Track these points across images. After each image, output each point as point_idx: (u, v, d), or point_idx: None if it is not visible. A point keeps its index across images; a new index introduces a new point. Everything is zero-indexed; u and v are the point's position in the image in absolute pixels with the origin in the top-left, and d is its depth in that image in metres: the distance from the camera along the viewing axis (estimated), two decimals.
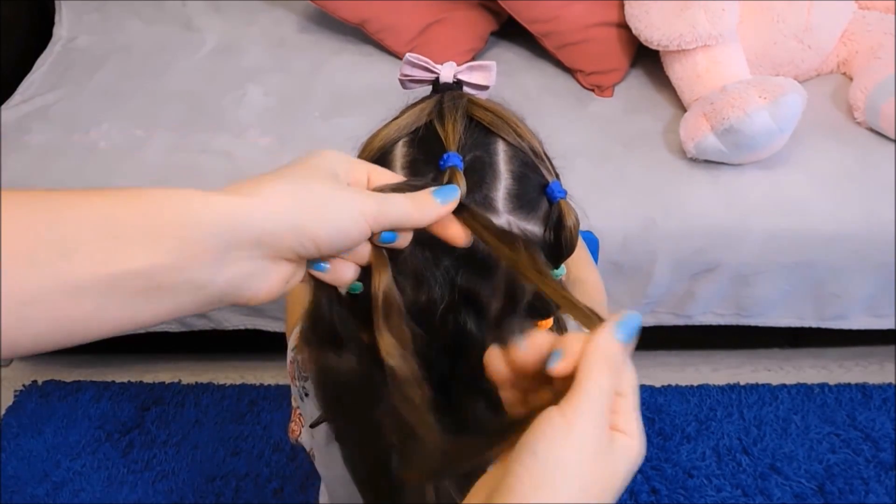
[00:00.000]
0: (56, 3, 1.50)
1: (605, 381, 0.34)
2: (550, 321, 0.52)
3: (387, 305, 0.41)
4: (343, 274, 0.41)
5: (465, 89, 0.52)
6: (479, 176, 0.46)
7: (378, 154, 0.49)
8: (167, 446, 1.31)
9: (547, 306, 0.51)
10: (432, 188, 0.41)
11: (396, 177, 0.44)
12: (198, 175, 1.17)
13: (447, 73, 0.52)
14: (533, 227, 0.48)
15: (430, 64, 0.52)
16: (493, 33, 1.42)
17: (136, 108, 1.29)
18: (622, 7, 1.27)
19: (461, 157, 0.45)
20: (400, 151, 0.48)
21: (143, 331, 1.28)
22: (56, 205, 0.31)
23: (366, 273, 0.42)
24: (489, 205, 0.46)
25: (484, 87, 0.53)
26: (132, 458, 1.29)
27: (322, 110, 1.28)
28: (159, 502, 1.24)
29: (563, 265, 0.51)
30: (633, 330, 0.36)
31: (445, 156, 0.45)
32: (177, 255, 0.32)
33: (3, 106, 1.32)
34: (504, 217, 0.47)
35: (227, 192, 0.35)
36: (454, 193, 0.41)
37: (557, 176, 0.52)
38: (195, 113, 1.28)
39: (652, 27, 1.20)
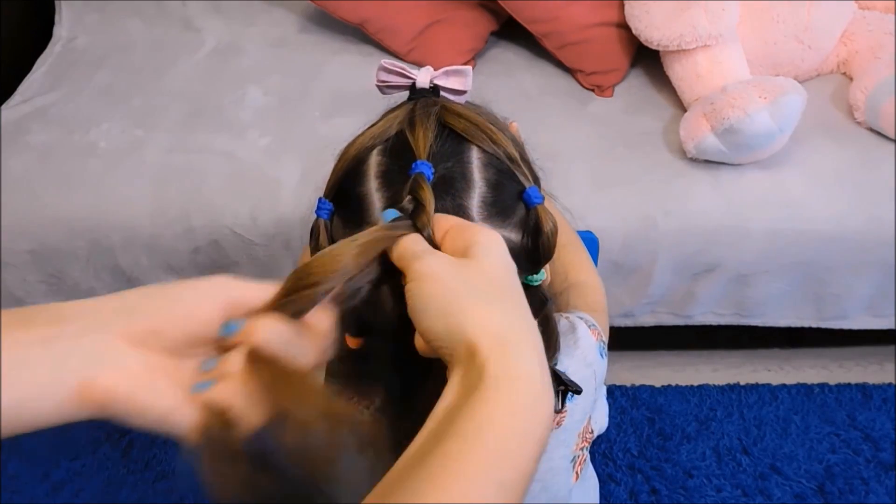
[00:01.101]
0: (56, 3, 1.50)
1: (415, 244, 0.41)
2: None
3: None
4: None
5: (443, 94, 0.52)
6: (451, 185, 0.46)
7: (353, 163, 0.49)
8: (167, 446, 1.30)
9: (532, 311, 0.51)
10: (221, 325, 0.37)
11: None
12: (198, 175, 1.17)
13: (423, 78, 0.52)
14: (509, 234, 0.48)
15: (406, 69, 0.52)
16: (493, 33, 1.42)
17: (136, 108, 1.29)
18: (622, 7, 1.27)
19: (431, 166, 0.45)
20: (374, 160, 0.48)
21: None
22: None
23: None
24: (463, 213, 0.46)
25: (461, 92, 0.53)
26: (132, 458, 1.29)
27: (322, 110, 1.28)
28: (159, 502, 1.24)
29: (543, 270, 0.50)
30: (391, 214, 0.43)
31: (414, 164, 0.45)
32: None
33: (3, 106, 1.32)
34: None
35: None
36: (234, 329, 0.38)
37: (537, 181, 0.52)
38: (195, 113, 1.28)
39: (652, 27, 1.20)
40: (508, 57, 1.41)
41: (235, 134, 1.24)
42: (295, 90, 1.33)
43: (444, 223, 0.43)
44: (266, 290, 0.38)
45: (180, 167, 1.18)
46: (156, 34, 1.47)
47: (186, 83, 1.35)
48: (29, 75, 1.39)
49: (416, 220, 0.43)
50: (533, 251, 0.49)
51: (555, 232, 0.49)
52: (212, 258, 1.17)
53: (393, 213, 0.43)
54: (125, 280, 1.19)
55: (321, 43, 1.44)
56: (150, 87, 1.34)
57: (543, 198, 0.49)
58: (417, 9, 1.35)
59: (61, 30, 1.48)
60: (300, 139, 1.22)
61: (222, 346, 0.37)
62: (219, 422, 0.36)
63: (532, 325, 0.39)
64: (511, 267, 0.41)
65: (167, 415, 0.36)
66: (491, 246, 0.40)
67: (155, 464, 1.28)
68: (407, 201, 0.43)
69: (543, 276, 0.51)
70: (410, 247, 0.41)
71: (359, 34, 1.41)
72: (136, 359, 0.35)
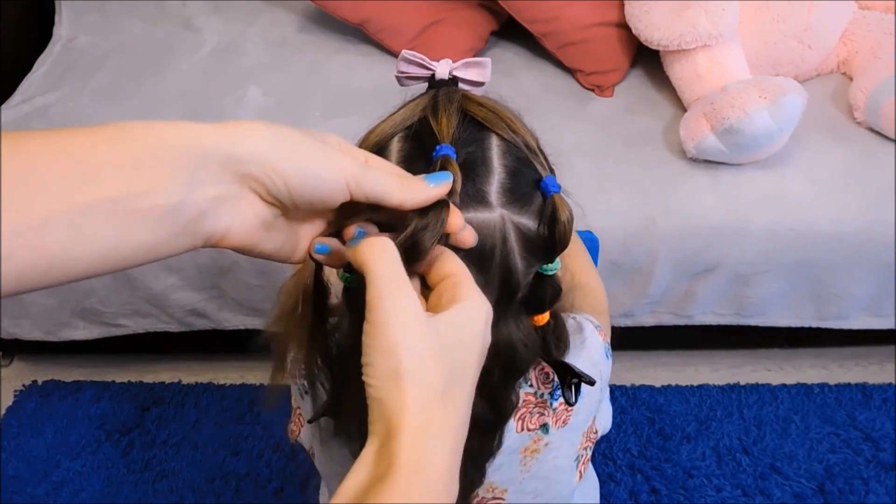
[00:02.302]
0: (56, 3, 1.50)
1: (385, 267, 0.37)
2: (546, 315, 0.53)
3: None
4: (343, 259, 0.41)
5: (461, 86, 0.53)
6: (472, 170, 0.47)
7: (374, 150, 0.49)
8: (167, 446, 1.31)
9: (542, 301, 0.51)
10: (424, 175, 0.41)
11: (395, 167, 0.43)
12: None
13: (443, 69, 0.52)
14: (527, 221, 0.48)
15: (426, 61, 0.52)
16: (493, 33, 1.42)
17: (136, 109, 1.29)
18: (622, 7, 1.27)
19: (454, 150, 0.45)
20: (395, 146, 0.49)
21: (142, 331, 1.28)
22: (30, 143, 0.32)
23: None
24: (482, 198, 0.47)
25: (479, 84, 0.53)
26: (132, 458, 1.29)
27: (322, 110, 1.28)
28: (159, 502, 1.24)
29: (557, 259, 0.51)
30: (440, 178, 0.41)
31: (438, 147, 0.45)
32: (146, 179, 0.33)
33: (3, 106, 1.32)
34: (497, 211, 0.47)
35: (199, 123, 0.35)
36: (445, 178, 0.41)
37: (552, 171, 0.52)
38: (195, 113, 1.28)
39: (652, 27, 1.20)
40: (508, 57, 1.41)
41: None
42: (295, 90, 1.33)
43: (449, 266, 0.41)
44: (381, 179, 0.39)
45: None
46: (156, 34, 1.47)
47: (186, 83, 1.35)
48: (29, 75, 1.39)
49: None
50: (549, 240, 0.49)
51: (571, 221, 0.49)
52: (212, 258, 1.17)
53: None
54: (125, 279, 1.19)
55: (321, 43, 1.44)
56: (150, 87, 1.34)
57: (560, 186, 0.49)
58: (417, 9, 1.35)
59: (61, 30, 1.48)
60: None
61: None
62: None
63: (464, 413, 0.38)
64: (484, 343, 0.40)
65: (275, 253, 0.40)
66: (477, 316, 0.39)
67: (155, 464, 1.28)
68: None
69: (558, 265, 0.51)
70: (384, 272, 0.37)
71: (359, 34, 1.41)
72: (255, 212, 0.38)
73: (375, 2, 1.34)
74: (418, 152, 0.47)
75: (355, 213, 0.41)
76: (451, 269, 0.41)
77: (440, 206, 0.41)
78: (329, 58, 1.40)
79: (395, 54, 1.39)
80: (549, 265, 0.50)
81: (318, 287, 0.47)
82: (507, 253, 0.47)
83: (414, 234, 0.39)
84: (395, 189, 0.39)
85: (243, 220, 0.37)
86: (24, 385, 1.42)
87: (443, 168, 0.43)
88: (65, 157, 0.32)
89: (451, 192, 0.42)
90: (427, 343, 0.36)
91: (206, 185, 0.35)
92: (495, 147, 0.49)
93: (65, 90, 1.34)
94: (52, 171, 0.31)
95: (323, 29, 1.46)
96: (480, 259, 0.46)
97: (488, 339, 0.40)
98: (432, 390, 0.36)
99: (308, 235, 0.42)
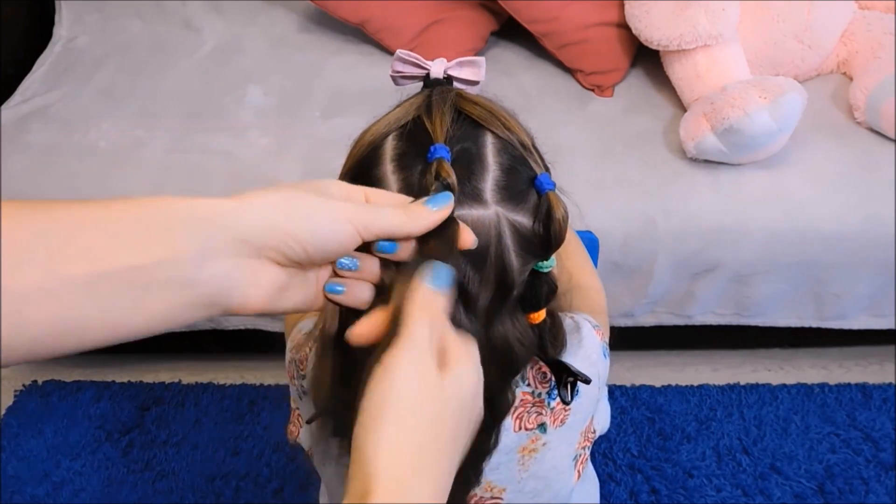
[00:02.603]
0: (56, 3, 1.50)
1: (422, 328, 0.38)
2: (543, 313, 0.53)
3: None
4: (359, 294, 0.42)
5: (456, 85, 0.53)
6: (466, 167, 0.47)
7: (368, 149, 0.50)
8: (167, 446, 1.31)
9: (538, 300, 0.52)
10: (425, 199, 0.42)
11: (395, 196, 0.44)
12: (198, 175, 1.17)
13: (437, 68, 0.52)
14: (522, 219, 0.48)
15: (421, 60, 0.52)
16: (493, 33, 1.42)
17: (136, 108, 1.29)
18: (622, 7, 1.27)
19: (448, 150, 0.46)
20: (389, 145, 0.49)
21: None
22: (48, 212, 0.33)
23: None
24: (477, 196, 0.47)
25: (474, 83, 0.54)
26: (132, 458, 1.29)
27: (322, 110, 1.28)
28: (159, 502, 1.24)
29: (553, 257, 0.51)
30: (444, 278, 0.40)
31: (433, 148, 0.45)
32: (160, 253, 0.34)
33: (3, 106, 1.32)
34: (492, 208, 0.47)
35: (213, 198, 0.36)
36: (447, 200, 0.42)
37: (547, 169, 0.52)
38: (195, 113, 1.28)
39: (652, 27, 1.20)
40: (508, 57, 1.41)
41: (235, 134, 1.24)
42: (295, 90, 1.33)
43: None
44: (387, 217, 0.40)
45: (180, 167, 1.18)
46: (156, 34, 1.47)
47: (186, 83, 1.35)
48: (29, 75, 1.39)
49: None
50: (544, 237, 0.49)
51: (566, 218, 0.49)
52: None
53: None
54: None
55: (321, 43, 1.44)
56: (150, 87, 1.34)
57: (555, 184, 0.50)
58: (417, 9, 1.35)
59: (61, 30, 1.48)
60: (300, 139, 1.22)
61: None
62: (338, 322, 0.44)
63: (447, 467, 0.38)
64: (477, 392, 0.41)
65: (301, 306, 0.42)
66: (471, 368, 0.40)
67: (155, 464, 1.28)
68: (434, 188, 0.44)
69: (553, 262, 0.51)
70: (420, 325, 0.38)
71: (359, 34, 1.41)
72: (271, 279, 0.38)
73: (375, 2, 1.34)
74: (412, 151, 0.48)
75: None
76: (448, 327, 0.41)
77: (449, 225, 0.42)
78: (329, 58, 1.40)
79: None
80: (545, 263, 0.50)
81: (344, 329, 0.46)
82: (503, 250, 0.47)
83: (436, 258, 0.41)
84: (402, 223, 0.41)
85: (260, 287, 0.38)
86: (24, 385, 1.42)
87: (437, 173, 0.44)
88: (81, 228, 0.33)
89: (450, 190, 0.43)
90: (426, 407, 0.37)
91: (219, 258, 0.36)
92: (490, 145, 0.49)
93: (65, 90, 1.34)
94: (68, 240, 0.32)
95: (323, 29, 1.46)
96: (475, 256, 0.46)
97: (480, 384, 0.41)
98: (411, 457, 0.36)
99: (324, 280, 0.43)
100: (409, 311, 0.39)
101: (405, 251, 0.42)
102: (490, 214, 0.47)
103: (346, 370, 0.49)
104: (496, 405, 0.53)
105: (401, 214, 0.41)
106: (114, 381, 1.41)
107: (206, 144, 1.22)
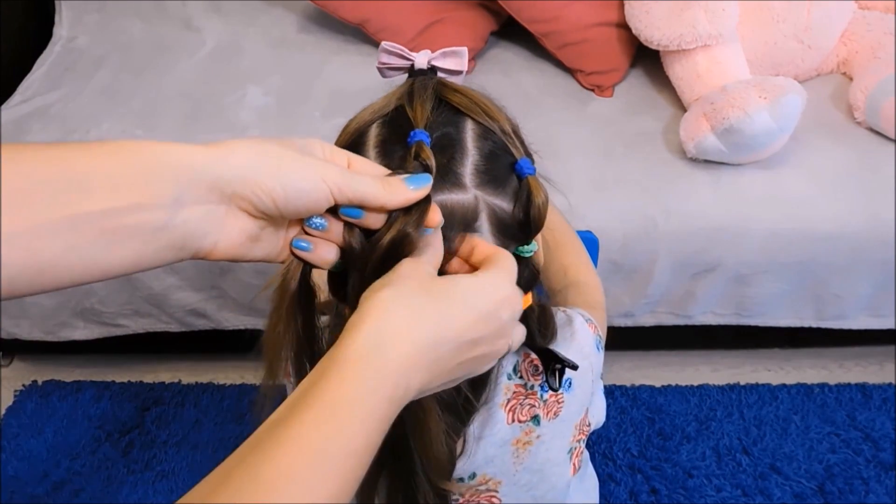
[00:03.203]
0: (56, 3, 1.50)
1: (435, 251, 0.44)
2: (528, 299, 0.53)
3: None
4: (324, 255, 0.43)
5: (440, 75, 0.54)
6: (446, 152, 0.48)
7: (354, 137, 0.51)
8: (167, 446, 1.31)
9: (520, 284, 0.52)
10: (405, 175, 0.43)
11: (377, 166, 0.45)
12: None
13: (421, 59, 0.54)
14: (501, 203, 0.49)
15: (405, 51, 0.54)
16: (493, 33, 1.42)
17: (136, 108, 1.29)
18: (622, 7, 1.27)
19: (429, 135, 0.47)
20: (373, 132, 0.50)
21: (142, 331, 1.28)
22: (24, 155, 0.33)
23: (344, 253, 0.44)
24: (457, 180, 0.48)
25: (457, 73, 0.55)
26: (132, 458, 1.29)
27: (322, 110, 1.28)
28: (159, 502, 1.24)
29: (534, 241, 0.52)
30: (422, 181, 0.43)
31: (413, 133, 0.46)
32: (133, 196, 0.34)
33: (3, 106, 1.32)
34: (472, 192, 0.48)
35: (192, 144, 0.37)
36: (425, 181, 0.43)
37: (529, 155, 0.53)
38: (195, 113, 1.28)
39: (652, 27, 1.20)
40: (508, 57, 1.41)
41: (235, 134, 1.24)
42: (295, 90, 1.33)
43: (486, 248, 0.47)
44: (363, 184, 0.41)
45: None
46: (156, 34, 1.47)
47: (186, 83, 1.35)
48: (29, 75, 1.39)
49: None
50: (524, 221, 0.50)
51: (545, 203, 0.50)
52: None
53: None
54: (125, 279, 1.19)
55: (321, 43, 1.44)
56: (150, 87, 1.34)
57: (535, 169, 0.51)
58: (417, 9, 1.35)
59: (61, 30, 1.48)
60: None
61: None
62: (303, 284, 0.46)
63: (438, 356, 0.40)
64: (499, 305, 0.43)
65: (266, 256, 0.42)
66: (491, 290, 0.43)
67: (155, 464, 1.28)
68: (413, 167, 0.45)
69: (535, 247, 0.52)
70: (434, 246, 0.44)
71: (359, 34, 1.41)
72: (242, 228, 0.39)
73: (375, 2, 1.34)
74: (394, 137, 0.49)
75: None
76: (488, 250, 0.46)
77: (423, 202, 0.43)
78: (329, 58, 1.40)
79: None
80: (526, 247, 0.51)
81: (304, 287, 0.47)
82: (482, 234, 0.48)
83: (403, 232, 0.42)
84: (377, 193, 0.41)
85: (230, 235, 0.39)
86: (24, 385, 1.42)
87: (417, 155, 0.45)
88: (57, 170, 0.33)
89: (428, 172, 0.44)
90: (433, 284, 0.41)
91: (192, 204, 0.36)
92: (470, 131, 0.50)
93: (65, 90, 1.34)
94: (44, 182, 0.33)
95: (323, 29, 1.46)
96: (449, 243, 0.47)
97: (514, 293, 0.45)
98: (402, 314, 0.39)
99: (292, 235, 0.44)
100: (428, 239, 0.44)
101: (374, 220, 0.42)
102: (469, 198, 0.48)
103: (307, 326, 0.50)
104: (477, 388, 0.55)
105: (378, 184, 0.41)
106: (114, 381, 1.41)
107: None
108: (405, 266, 0.42)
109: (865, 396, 1.36)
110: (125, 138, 1.26)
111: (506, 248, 0.50)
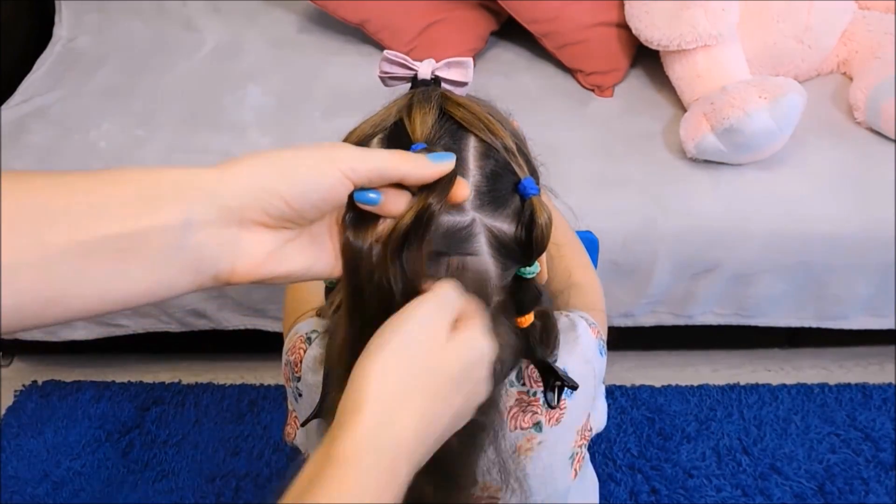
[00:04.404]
0: (56, 3, 1.50)
1: (450, 290, 0.42)
2: (531, 317, 0.52)
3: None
4: (395, 205, 0.40)
5: (444, 86, 0.52)
6: None
7: None
8: (167, 446, 1.31)
9: (521, 304, 0.51)
10: (426, 154, 0.41)
11: (396, 151, 0.43)
12: None
13: (425, 69, 0.52)
14: (502, 225, 0.48)
15: (409, 61, 0.52)
16: (493, 33, 1.42)
17: (136, 108, 1.29)
18: (622, 7, 1.27)
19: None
20: (373, 146, 0.49)
21: (142, 331, 1.28)
22: (32, 182, 0.33)
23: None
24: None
25: (462, 84, 0.53)
26: (132, 458, 1.29)
27: (322, 110, 1.28)
28: (159, 502, 1.24)
29: (536, 262, 0.50)
30: (444, 157, 0.41)
31: (412, 147, 0.45)
32: (145, 221, 0.34)
33: (3, 106, 1.32)
34: (470, 214, 0.46)
35: (199, 167, 0.36)
36: (449, 158, 0.41)
37: (535, 174, 0.52)
38: (195, 113, 1.28)
39: (652, 27, 1.20)
40: (508, 57, 1.41)
41: (235, 134, 1.24)
42: (295, 90, 1.33)
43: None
44: (378, 155, 0.39)
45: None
46: (156, 34, 1.47)
47: (186, 83, 1.35)
48: (29, 75, 1.39)
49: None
50: (526, 243, 0.48)
51: (549, 224, 0.48)
52: None
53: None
54: None
55: (321, 43, 1.44)
56: (150, 87, 1.34)
57: (539, 190, 0.49)
58: (417, 9, 1.35)
59: (61, 30, 1.48)
60: (300, 139, 1.22)
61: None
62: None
63: (436, 414, 0.39)
64: (483, 364, 0.42)
65: (305, 271, 0.40)
66: (483, 339, 0.42)
67: (155, 464, 1.28)
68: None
69: (537, 268, 0.50)
70: (452, 284, 0.42)
71: (359, 34, 1.41)
72: (260, 245, 0.38)
73: (375, 2, 1.34)
74: None
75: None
76: (468, 310, 0.43)
77: (448, 177, 0.41)
78: (329, 58, 1.40)
79: None
80: (528, 269, 0.50)
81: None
82: (481, 256, 0.47)
83: (427, 206, 0.40)
84: (398, 162, 0.39)
85: (250, 254, 0.37)
86: (24, 385, 1.42)
87: None
88: (65, 197, 0.33)
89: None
90: (428, 352, 0.38)
91: (205, 227, 0.35)
92: (472, 149, 0.48)
93: (65, 90, 1.34)
94: (52, 209, 0.32)
95: (323, 29, 1.46)
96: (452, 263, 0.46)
97: (484, 388, 0.42)
98: (397, 390, 0.37)
99: (332, 245, 0.42)
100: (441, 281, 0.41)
101: (393, 203, 0.40)
102: (466, 220, 0.46)
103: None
104: (484, 406, 0.53)
105: (396, 155, 0.39)
106: (114, 381, 1.41)
107: (206, 144, 1.22)
108: (420, 315, 0.39)
109: (865, 396, 1.36)
110: (125, 138, 1.27)
111: (506, 269, 0.49)
